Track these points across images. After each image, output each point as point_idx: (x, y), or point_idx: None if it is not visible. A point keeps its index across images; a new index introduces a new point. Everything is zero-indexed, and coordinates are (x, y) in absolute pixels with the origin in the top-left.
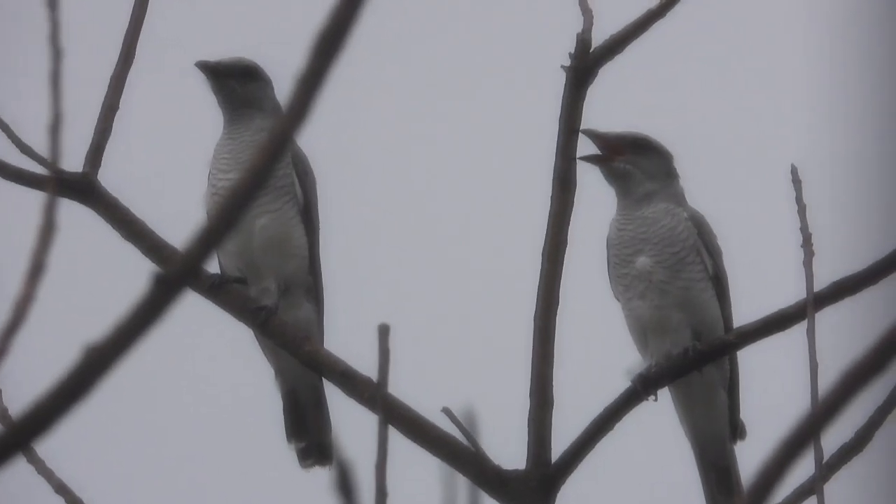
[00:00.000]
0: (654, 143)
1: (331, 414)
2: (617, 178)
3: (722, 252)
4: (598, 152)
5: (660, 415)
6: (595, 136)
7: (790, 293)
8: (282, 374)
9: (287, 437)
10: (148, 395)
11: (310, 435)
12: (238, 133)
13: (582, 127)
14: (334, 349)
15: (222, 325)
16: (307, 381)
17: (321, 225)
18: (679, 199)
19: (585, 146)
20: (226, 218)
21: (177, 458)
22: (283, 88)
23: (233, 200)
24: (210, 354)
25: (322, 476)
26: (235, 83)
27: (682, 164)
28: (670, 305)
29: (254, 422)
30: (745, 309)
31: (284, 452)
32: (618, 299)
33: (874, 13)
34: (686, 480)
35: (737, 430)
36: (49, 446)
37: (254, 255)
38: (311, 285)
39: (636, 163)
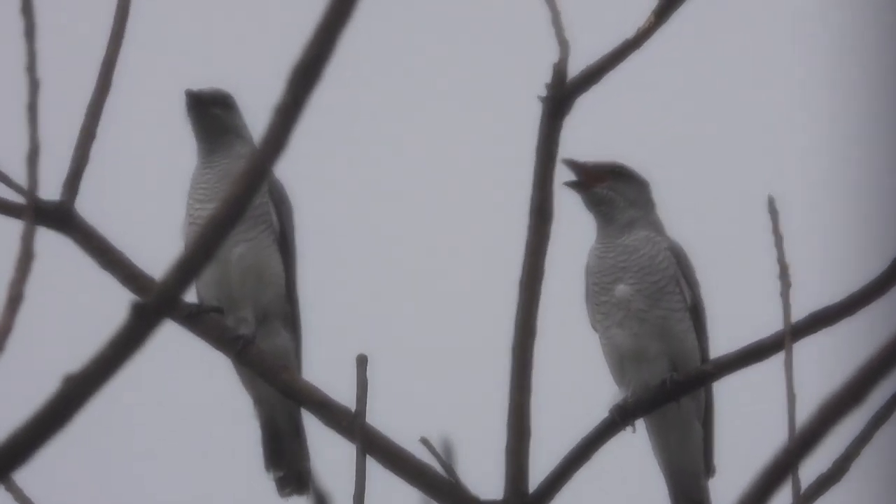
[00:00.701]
0: (632, 171)
1: (309, 443)
2: (599, 204)
3: (699, 284)
4: (579, 180)
5: (635, 445)
6: (574, 165)
7: (767, 324)
8: (260, 403)
9: (265, 465)
10: (126, 425)
11: (288, 464)
12: (216, 161)
13: (561, 157)
14: (312, 378)
15: (201, 354)
16: (285, 409)
17: (298, 253)
18: (658, 227)
19: (566, 175)
20: (203, 248)
21: (156, 487)
22: (252, 116)
23: (211, 230)
24: (189, 383)
25: None
26: (220, 111)
27: (658, 193)
28: (648, 334)
29: (232, 450)
30: (722, 340)
31: (263, 481)
32: (595, 329)
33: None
34: None
35: (710, 464)
36: (28, 476)
37: (231, 284)
38: (288, 314)
39: (617, 189)
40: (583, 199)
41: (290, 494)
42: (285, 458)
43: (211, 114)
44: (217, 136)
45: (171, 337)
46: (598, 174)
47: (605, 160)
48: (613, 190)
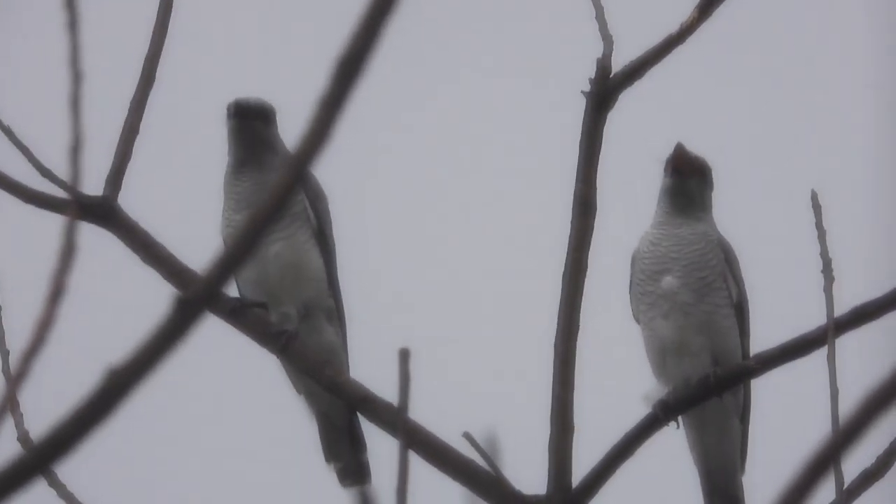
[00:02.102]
0: (709, 168)
1: (364, 433)
2: (684, 195)
3: (744, 281)
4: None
5: (667, 441)
6: (683, 151)
7: (810, 319)
8: (311, 397)
9: (325, 457)
10: (176, 419)
11: (346, 455)
12: (247, 172)
13: (606, 153)
14: (356, 373)
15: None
16: (336, 402)
17: (336, 247)
18: (713, 225)
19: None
20: (246, 242)
21: (202, 481)
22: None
23: (253, 225)
24: (244, 377)
25: (345, 499)
26: (261, 123)
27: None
28: (693, 328)
29: (292, 444)
30: (764, 335)
31: (323, 474)
32: (637, 320)
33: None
34: None
35: (743, 462)
36: (70, 470)
37: (270, 282)
38: (331, 308)
39: (701, 187)
40: (671, 184)
41: (351, 485)
42: (343, 450)
43: (252, 126)
44: (253, 147)
45: (222, 331)
46: (694, 167)
47: (698, 155)
48: (699, 187)
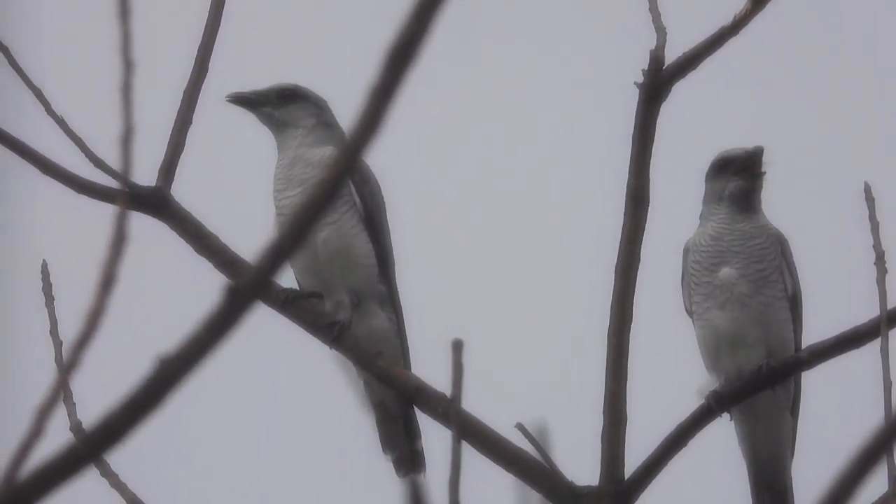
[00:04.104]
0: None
1: (419, 423)
2: (755, 191)
3: (797, 273)
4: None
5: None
6: (761, 153)
7: (863, 311)
8: (368, 387)
9: (381, 447)
10: (229, 409)
11: (402, 444)
12: (284, 153)
13: (659, 145)
14: (414, 361)
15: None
16: (392, 392)
17: (390, 232)
18: (766, 216)
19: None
20: (295, 230)
21: (256, 471)
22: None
23: (304, 213)
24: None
25: (395, 491)
26: (271, 108)
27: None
28: (749, 320)
29: (348, 433)
30: (816, 327)
31: (381, 462)
32: (689, 313)
33: None
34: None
35: (794, 452)
36: (122, 459)
37: (320, 269)
38: (384, 294)
39: (764, 180)
40: (746, 187)
41: (406, 474)
42: (398, 439)
43: (263, 112)
44: (279, 129)
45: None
46: (761, 160)
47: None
48: (764, 181)
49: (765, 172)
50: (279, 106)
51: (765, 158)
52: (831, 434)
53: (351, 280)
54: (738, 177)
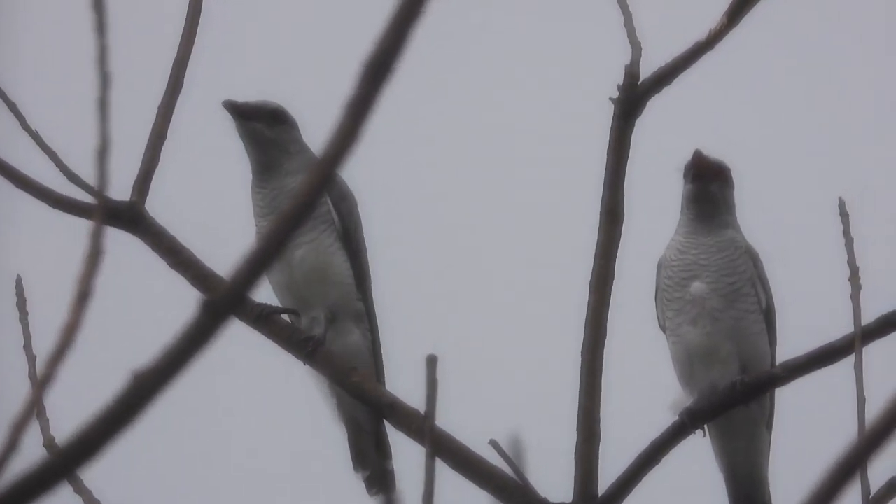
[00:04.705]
0: (731, 174)
1: (390, 442)
2: (706, 201)
3: (771, 288)
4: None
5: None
6: (701, 157)
7: (838, 327)
8: (341, 403)
9: (353, 465)
10: (202, 425)
11: (373, 463)
12: (266, 180)
13: (633, 160)
14: (388, 378)
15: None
16: (365, 409)
17: (366, 249)
18: (738, 229)
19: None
20: (271, 245)
21: (228, 488)
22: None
23: (279, 227)
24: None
25: None
26: (263, 126)
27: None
28: (721, 334)
29: (323, 451)
30: (791, 343)
31: (352, 481)
32: (663, 328)
33: None
34: None
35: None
36: (95, 475)
37: (297, 286)
38: (360, 311)
39: (723, 190)
40: (693, 191)
41: (377, 494)
42: (370, 457)
43: (252, 128)
44: (262, 151)
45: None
46: (714, 171)
47: (719, 159)
48: (721, 190)
49: (714, 177)
50: (271, 125)
51: (710, 161)
52: (812, 449)
53: (328, 297)
54: (687, 181)
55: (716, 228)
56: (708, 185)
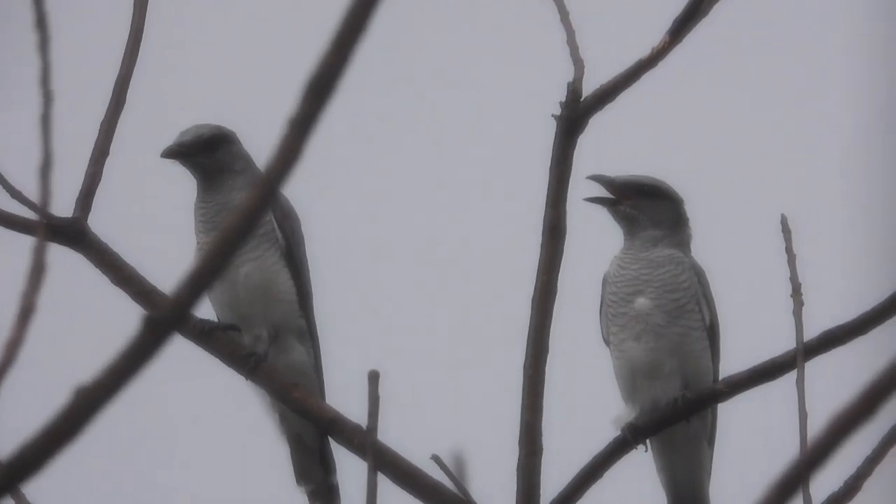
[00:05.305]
0: (662, 189)
1: (334, 456)
2: (623, 221)
3: (715, 304)
4: (606, 195)
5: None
6: (603, 181)
7: (780, 343)
8: (283, 419)
9: (296, 480)
10: (145, 440)
11: (317, 477)
12: (211, 196)
13: (576, 176)
14: (329, 394)
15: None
16: (308, 425)
17: (308, 267)
18: (684, 246)
19: (587, 190)
20: (214, 261)
21: (171, 502)
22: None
23: (222, 243)
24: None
25: None
26: (203, 157)
27: (692, 210)
28: (664, 350)
29: (264, 465)
30: (734, 359)
31: (295, 495)
32: (607, 343)
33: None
34: None
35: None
36: (38, 489)
37: (241, 304)
38: (303, 328)
39: (642, 208)
40: (609, 213)
41: None
42: (313, 472)
43: (197, 162)
44: (210, 176)
45: (193, 354)
46: (624, 190)
47: (634, 176)
48: (638, 208)
49: (624, 198)
50: (209, 153)
51: (617, 183)
52: (754, 465)
53: (271, 315)
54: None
55: (648, 244)
56: (616, 207)
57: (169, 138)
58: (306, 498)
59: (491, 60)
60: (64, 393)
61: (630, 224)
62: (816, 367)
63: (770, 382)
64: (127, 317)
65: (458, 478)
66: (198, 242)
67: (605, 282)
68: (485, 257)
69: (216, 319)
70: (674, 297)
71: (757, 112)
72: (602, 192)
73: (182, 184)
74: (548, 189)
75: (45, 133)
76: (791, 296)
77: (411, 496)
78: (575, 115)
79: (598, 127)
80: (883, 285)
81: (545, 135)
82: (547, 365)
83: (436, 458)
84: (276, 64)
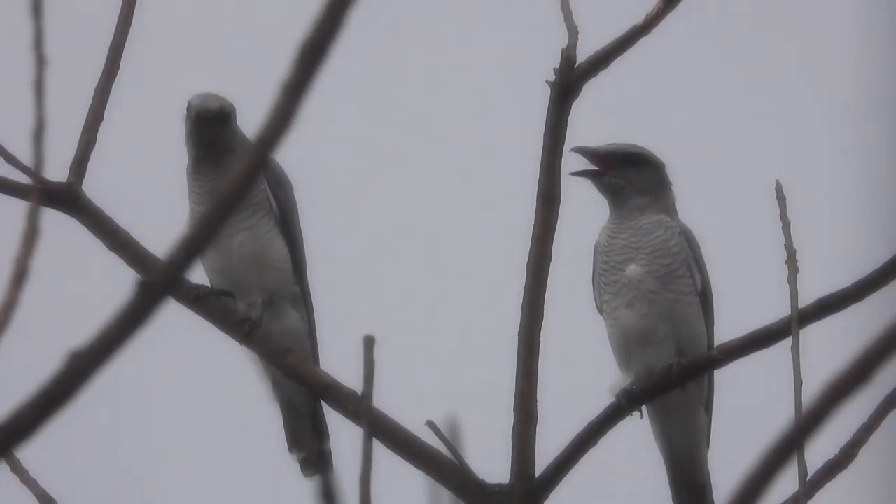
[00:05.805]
0: (644, 156)
1: (328, 423)
2: (608, 192)
3: (707, 270)
4: (590, 167)
5: (634, 430)
6: (586, 152)
7: (775, 310)
8: (276, 385)
9: (288, 447)
10: (139, 404)
11: (309, 444)
12: (205, 171)
13: (570, 143)
14: (323, 360)
15: (218, 336)
16: (302, 391)
17: (302, 234)
18: (671, 211)
19: (576, 161)
20: (208, 226)
21: (168, 467)
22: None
23: (215, 208)
24: (207, 364)
25: (307, 487)
26: (221, 129)
27: (673, 173)
28: (657, 316)
29: (256, 432)
30: (729, 326)
31: (286, 462)
32: (601, 311)
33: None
34: (662, 498)
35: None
36: (33, 455)
37: (235, 271)
38: (297, 295)
39: (627, 177)
40: (594, 185)
41: (313, 475)
42: (306, 439)
43: (214, 132)
44: (213, 148)
45: (186, 320)
46: (608, 161)
47: (616, 145)
48: (623, 178)
49: (608, 168)
50: (225, 127)
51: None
52: (750, 431)
53: (266, 282)
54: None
55: (635, 212)
56: (601, 178)
57: (163, 103)
58: (298, 465)
59: (484, 26)
60: (57, 357)
61: (616, 194)
62: (811, 334)
63: (765, 349)
64: (121, 282)
65: (452, 444)
66: (192, 212)
67: (595, 250)
68: (479, 224)
69: (209, 285)
70: (664, 262)
71: (752, 78)
72: (586, 164)
73: (176, 149)
74: (541, 156)
75: (39, 98)
76: (786, 262)
77: (406, 462)
78: (569, 82)
79: (592, 96)
80: (878, 252)
81: (539, 102)
82: (542, 331)
83: (430, 425)
84: (271, 27)
